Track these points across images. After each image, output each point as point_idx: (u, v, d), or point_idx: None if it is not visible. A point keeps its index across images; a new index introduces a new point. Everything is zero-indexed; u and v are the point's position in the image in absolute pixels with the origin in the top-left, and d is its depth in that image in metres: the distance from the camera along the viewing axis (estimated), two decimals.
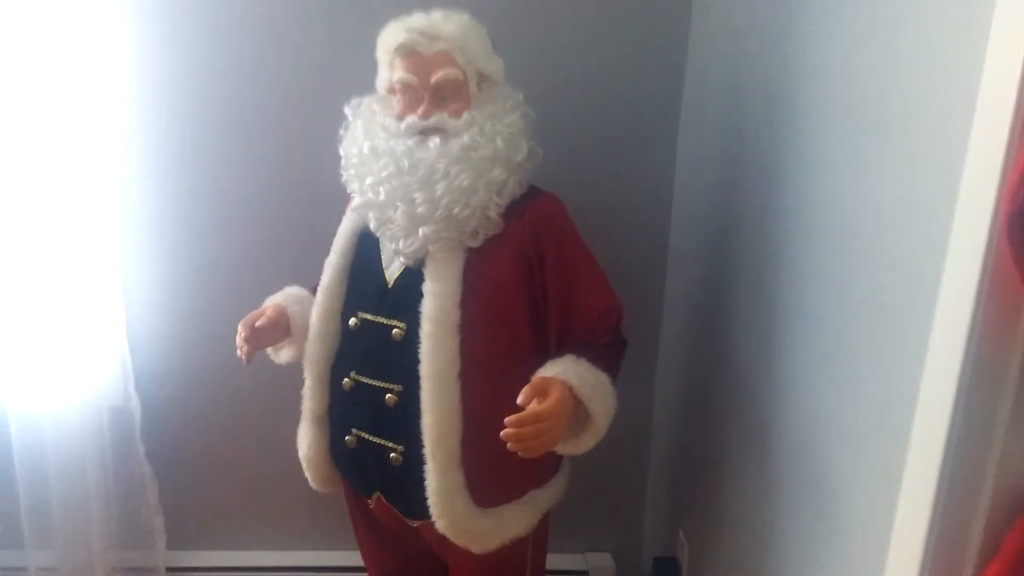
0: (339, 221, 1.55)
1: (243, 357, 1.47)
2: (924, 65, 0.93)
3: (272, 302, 1.58)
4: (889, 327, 1.00)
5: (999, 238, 0.76)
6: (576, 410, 1.34)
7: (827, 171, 1.18)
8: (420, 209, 1.36)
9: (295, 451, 1.62)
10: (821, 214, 1.20)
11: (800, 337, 1.27)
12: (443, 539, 1.46)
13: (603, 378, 1.38)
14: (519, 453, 1.26)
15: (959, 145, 0.82)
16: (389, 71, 1.42)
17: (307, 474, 1.62)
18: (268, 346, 1.57)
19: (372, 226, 1.44)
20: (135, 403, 2.01)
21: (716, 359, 1.67)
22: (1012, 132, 0.74)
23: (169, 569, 2.17)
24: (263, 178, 1.92)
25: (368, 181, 1.40)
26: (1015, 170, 0.72)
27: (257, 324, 1.49)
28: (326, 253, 1.53)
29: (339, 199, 1.56)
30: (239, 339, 1.47)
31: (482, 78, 1.42)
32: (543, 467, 1.53)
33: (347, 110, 1.48)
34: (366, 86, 1.50)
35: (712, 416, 1.70)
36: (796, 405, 1.29)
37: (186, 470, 2.14)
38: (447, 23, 1.38)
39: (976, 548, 0.90)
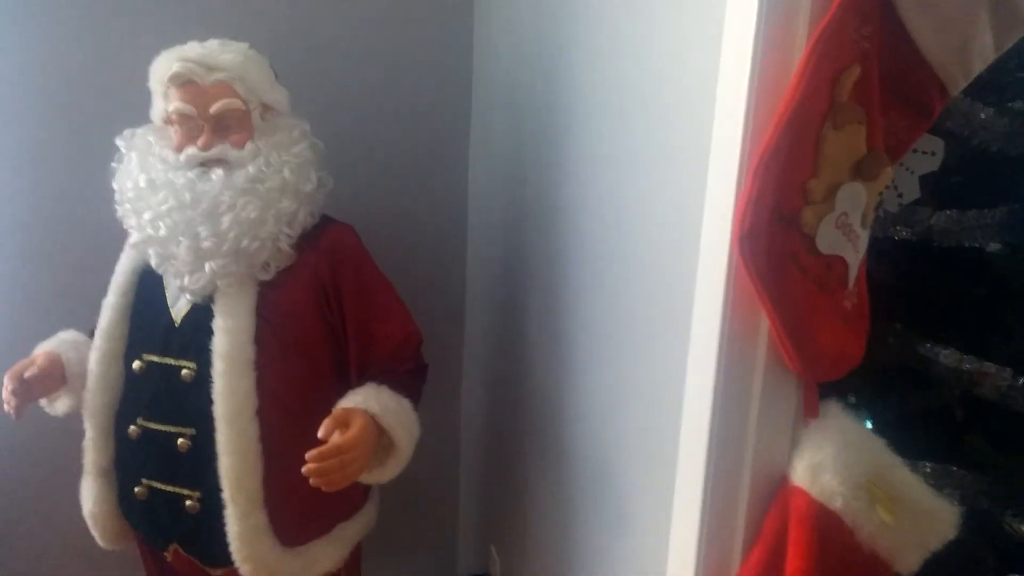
0: (116, 259, 1.46)
1: (11, 411, 1.35)
2: (665, 101, 1.03)
3: (43, 349, 1.46)
4: (654, 336, 1.09)
5: (735, 258, 0.85)
6: (379, 438, 1.34)
7: (596, 190, 1.27)
8: (206, 243, 1.31)
9: (79, 508, 1.49)
10: (592, 230, 1.29)
11: (583, 349, 1.35)
12: None
13: (405, 404, 1.39)
14: (323, 487, 1.24)
15: (702, 169, 0.92)
16: (164, 101, 1.36)
17: (94, 532, 1.50)
18: (41, 397, 1.45)
19: (153, 263, 1.37)
20: None
21: (515, 377, 1.73)
22: (741, 163, 0.83)
23: None
24: (29, 214, 1.76)
25: (147, 216, 1.33)
26: (742, 196, 0.81)
27: (26, 374, 1.37)
28: (103, 294, 1.44)
29: (115, 235, 1.47)
30: (5, 392, 1.35)
31: (265, 108, 1.39)
32: (350, 499, 1.51)
33: (119, 141, 1.40)
34: (141, 116, 1.43)
35: (512, 430, 1.76)
36: (582, 411, 1.37)
37: None
38: (224, 52, 1.34)
39: (742, 533, 1.00)
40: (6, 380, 1.36)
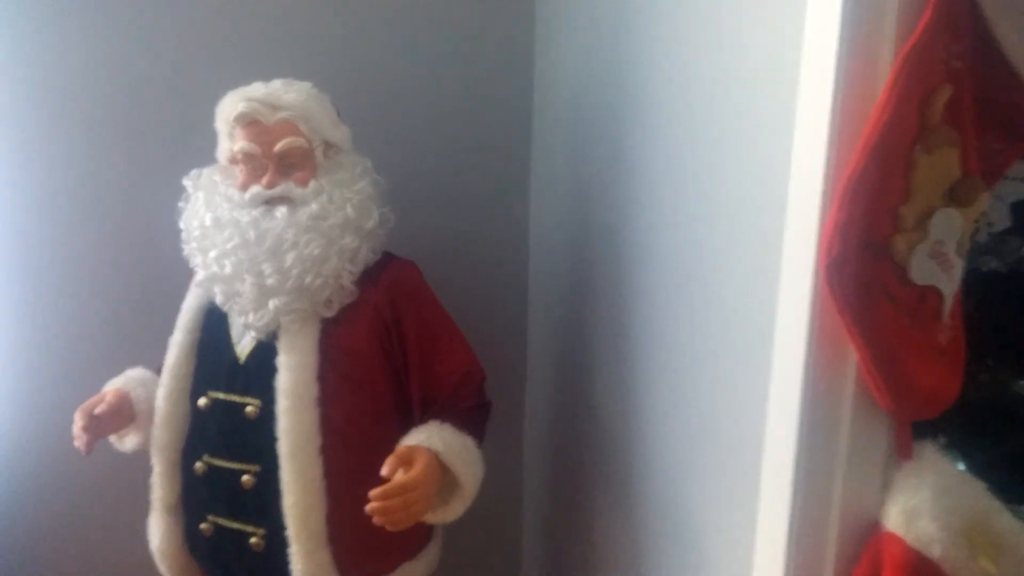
0: (183, 297, 1.48)
1: (82, 447, 1.37)
2: (740, 128, 0.99)
3: (113, 386, 1.48)
4: (732, 375, 1.04)
5: (821, 287, 0.81)
6: (443, 477, 1.31)
7: (665, 229, 1.23)
8: (270, 281, 1.32)
9: (147, 544, 1.50)
10: (663, 269, 1.24)
11: (654, 386, 1.31)
12: None
13: (469, 442, 1.36)
14: (387, 526, 1.22)
15: (780, 198, 0.87)
16: (230, 141, 1.38)
17: (161, 568, 1.50)
18: (110, 434, 1.47)
19: (219, 300, 1.38)
20: None
21: (580, 415, 1.69)
22: (825, 188, 0.79)
23: None
24: (99, 255, 1.81)
25: (212, 254, 1.35)
26: (828, 222, 0.77)
27: (96, 411, 1.39)
28: (170, 331, 1.46)
29: (182, 274, 1.49)
30: (76, 428, 1.37)
31: (328, 146, 1.41)
32: (414, 538, 1.48)
33: (186, 181, 1.43)
34: (207, 157, 1.45)
35: (578, 469, 1.71)
36: (655, 457, 1.31)
37: (28, 570, 1.94)
38: (288, 92, 1.36)
39: None
40: (77, 416, 1.38)
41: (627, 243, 1.39)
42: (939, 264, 0.81)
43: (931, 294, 0.83)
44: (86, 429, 1.37)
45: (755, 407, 0.96)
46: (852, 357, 0.85)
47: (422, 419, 1.39)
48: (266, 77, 1.38)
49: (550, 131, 1.83)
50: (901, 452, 0.89)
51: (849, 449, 0.88)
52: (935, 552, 0.86)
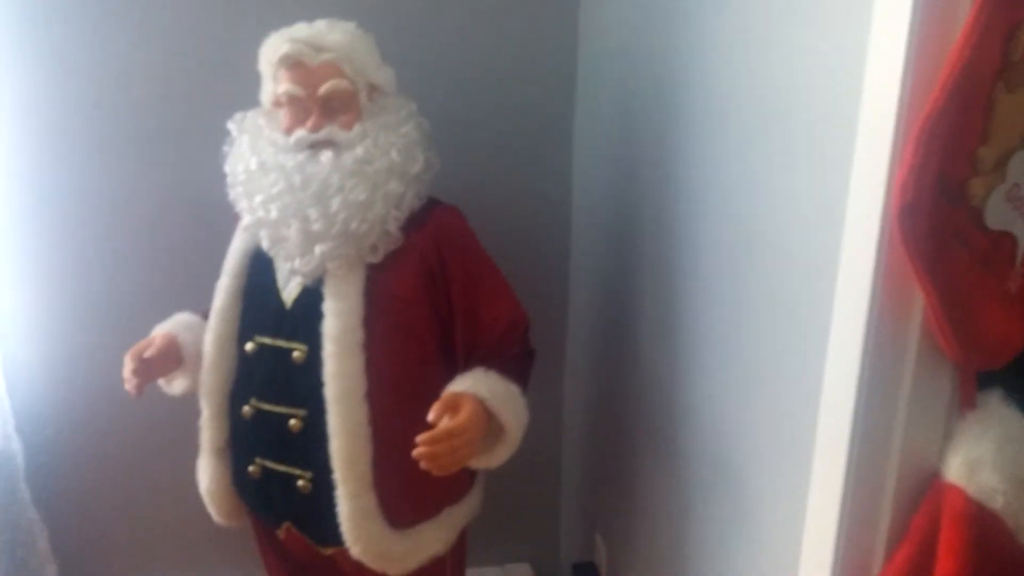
0: (229, 242, 1.48)
1: (132, 390, 1.39)
2: (809, 64, 0.95)
3: (161, 330, 1.50)
4: (789, 320, 1.02)
5: (891, 231, 0.78)
6: (488, 423, 1.32)
7: (720, 171, 1.20)
8: (315, 226, 1.31)
9: (195, 486, 1.54)
10: (717, 214, 1.21)
11: (703, 334, 1.29)
12: (359, 565, 1.41)
13: (514, 389, 1.36)
14: (433, 471, 1.23)
15: (847, 142, 0.84)
16: (274, 84, 1.37)
17: (210, 509, 1.54)
18: (159, 377, 1.49)
19: (265, 245, 1.38)
20: (16, 445, 1.86)
21: (622, 361, 1.68)
22: (897, 128, 0.76)
23: None
24: (145, 199, 1.82)
25: (258, 199, 1.34)
26: (903, 164, 0.74)
27: (146, 355, 1.41)
28: (217, 276, 1.46)
29: (228, 219, 1.49)
30: (126, 372, 1.39)
31: (372, 89, 1.38)
32: (458, 483, 1.50)
33: (231, 125, 1.42)
34: (251, 100, 1.44)
35: (621, 418, 1.71)
36: (703, 401, 1.30)
37: (78, 513, 2.01)
38: (332, 32, 1.34)
39: (885, 533, 0.92)
40: (127, 360, 1.40)
41: (677, 184, 1.36)
42: (1016, 208, 0.78)
43: (1005, 240, 0.80)
44: (136, 372, 1.39)
45: (814, 356, 0.95)
46: (918, 304, 0.82)
47: (466, 366, 1.39)
48: (309, 17, 1.36)
49: (596, 68, 1.79)
50: (965, 402, 0.87)
51: (911, 398, 0.87)
52: (997, 503, 0.85)
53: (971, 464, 0.85)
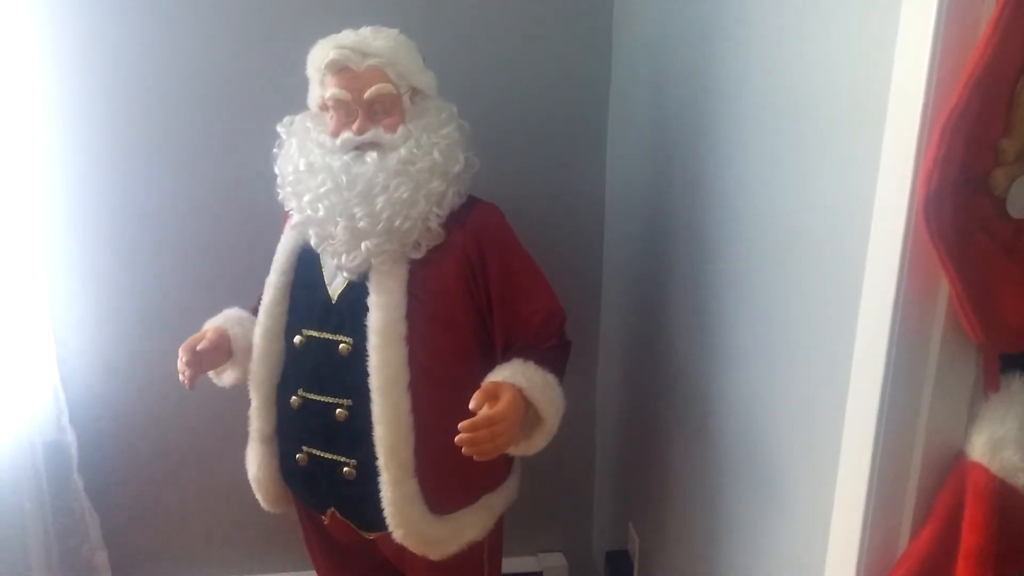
0: (277, 239, 1.55)
1: (186, 382, 1.45)
2: (839, 63, 0.99)
3: (212, 325, 1.56)
4: (818, 309, 1.06)
5: (916, 221, 0.82)
6: (527, 411, 1.37)
7: (750, 167, 1.24)
8: (361, 224, 1.37)
9: (243, 473, 1.60)
10: (747, 208, 1.26)
11: (733, 326, 1.33)
12: (400, 549, 1.47)
13: (551, 379, 1.41)
14: (474, 457, 1.28)
15: (875, 137, 0.89)
16: (321, 88, 1.42)
17: (257, 495, 1.60)
18: (210, 369, 1.55)
19: (313, 243, 1.44)
20: (70, 436, 1.95)
21: (655, 352, 1.73)
22: (923, 122, 0.80)
23: None
24: (196, 199, 1.89)
25: (306, 198, 1.40)
26: (928, 156, 0.78)
27: (199, 348, 1.47)
28: (265, 273, 1.53)
29: (276, 217, 1.55)
30: (181, 364, 1.45)
31: (415, 92, 1.44)
32: (496, 471, 1.55)
33: (280, 128, 1.48)
34: (299, 104, 1.50)
35: (654, 408, 1.75)
36: (734, 391, 1.34)
37: (129, 502, 2.08)
38: (377, 39, 1.39)
39: (911, 510, 0.96)
40: (181, 352, 1.46)
41: (708, 179, 1.40)
42: None
43: None
44: (189, 364, 1.45)
45: (841, 343, 0.99)
46: (943, 290, 0.86)
47: (505, 357, 1.44)
48: (356, 24, 1.42)
49: (630, 64, 1.84)
50: (988, 384, 0.91)
51: (936, 381, 0.91)
52: (1019, 480, 0.88)
53: (994, 443, 0.89)
